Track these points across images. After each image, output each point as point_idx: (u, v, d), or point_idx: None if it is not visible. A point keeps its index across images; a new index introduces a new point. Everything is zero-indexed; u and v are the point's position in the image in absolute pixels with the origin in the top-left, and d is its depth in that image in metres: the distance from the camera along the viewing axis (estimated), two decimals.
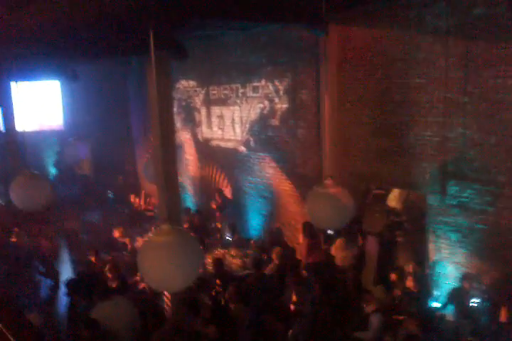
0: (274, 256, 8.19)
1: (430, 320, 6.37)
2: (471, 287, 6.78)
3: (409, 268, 7.31)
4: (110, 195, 13.61)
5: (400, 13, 7.50)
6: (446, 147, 7.17)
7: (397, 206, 8.91)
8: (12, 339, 6.44)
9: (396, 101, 7.79)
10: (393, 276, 7.19)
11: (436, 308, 7.03)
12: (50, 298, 8.89)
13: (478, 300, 6.70)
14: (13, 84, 9.66)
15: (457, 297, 6.75)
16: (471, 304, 6.70)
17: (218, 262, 8.24)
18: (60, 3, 6.97)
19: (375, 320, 6.36)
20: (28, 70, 10.14)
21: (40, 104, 14.97)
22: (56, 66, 11.50)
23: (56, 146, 16.48)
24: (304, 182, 9.24)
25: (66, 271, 9.64)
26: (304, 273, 7.83)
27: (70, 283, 7.70)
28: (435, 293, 7.38)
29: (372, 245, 8.17)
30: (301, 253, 8.63)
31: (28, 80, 11.81)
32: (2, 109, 11.12)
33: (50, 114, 15.38)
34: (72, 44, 8.63)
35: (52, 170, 16.87)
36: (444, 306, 6.89)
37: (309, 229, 8.32)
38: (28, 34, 8.07)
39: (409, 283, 6.92)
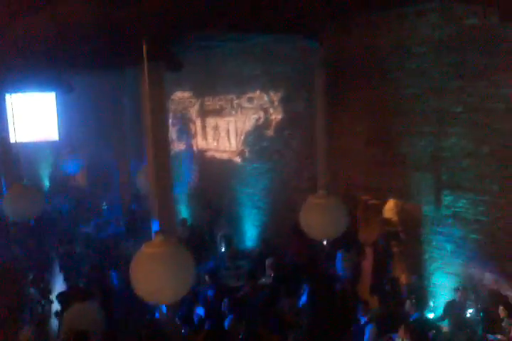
0: (268, 266, 8.15)
1: (425, 330, 6.31)
2: (466, 297, 6.73)
3: (404, 278, 7.28)
4: (105, 206, 13.55)
5: (394, 23, 7.55)
6: (441, 157, 7.18)
7: (392, 216, 8.88)
8: None
9: (390, 111, 7.80)
10: (388, 287, 7.14)
11: (431, 319, 6.98)
12: (44, 313, 8.76)
13: (473, 311, 6.65)
14: (7, 96, 9.65)
15: (452, 307, 6.70)
16: (466, 315, 6.65)
17: (212, 274, 8.18)
18: (55, 15, 6.99)
19: (369, 331, 6.32)
20: (22, 82, 10.14)
21: (36, 116, 14.91)
22: (51, 78, 11.52)
23: (51, 158, 16.44)
24: (299, 192, 9.21)
25: (58, 285, 9.53)
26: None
27: (61, 296, 7.64)
28: (430, 303, 7.32)
29: (367, 255, 8.14)
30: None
31: (22, 92, 11.82)
32: None
33: (45, 125, 15.33)
34: (67, 56, 8.65)
35: (47, 183, 16.82)
36: (440, 317, 6.84)
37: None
38: (23, 46, 8.09)
39: (404, 293, 6.88)
